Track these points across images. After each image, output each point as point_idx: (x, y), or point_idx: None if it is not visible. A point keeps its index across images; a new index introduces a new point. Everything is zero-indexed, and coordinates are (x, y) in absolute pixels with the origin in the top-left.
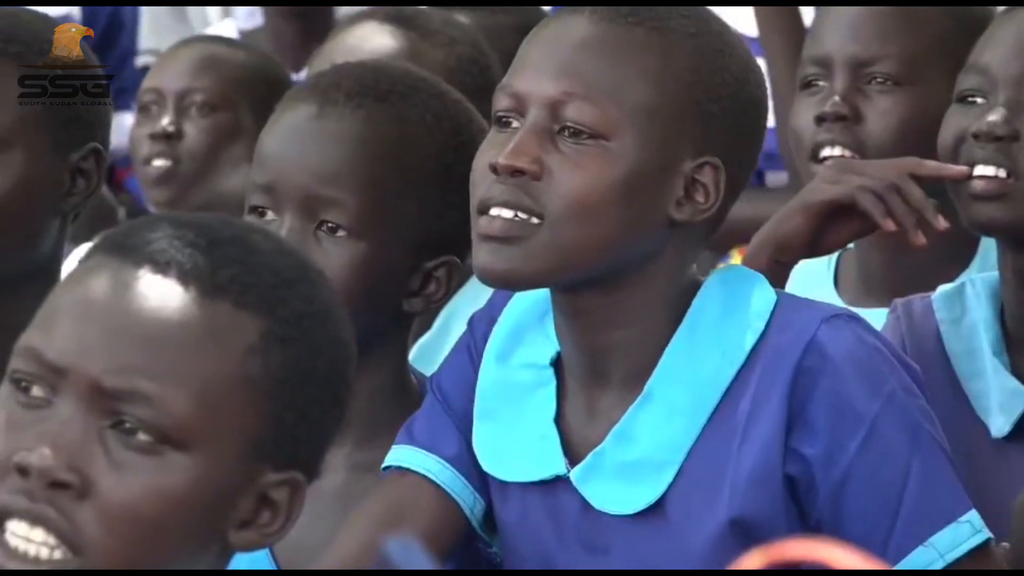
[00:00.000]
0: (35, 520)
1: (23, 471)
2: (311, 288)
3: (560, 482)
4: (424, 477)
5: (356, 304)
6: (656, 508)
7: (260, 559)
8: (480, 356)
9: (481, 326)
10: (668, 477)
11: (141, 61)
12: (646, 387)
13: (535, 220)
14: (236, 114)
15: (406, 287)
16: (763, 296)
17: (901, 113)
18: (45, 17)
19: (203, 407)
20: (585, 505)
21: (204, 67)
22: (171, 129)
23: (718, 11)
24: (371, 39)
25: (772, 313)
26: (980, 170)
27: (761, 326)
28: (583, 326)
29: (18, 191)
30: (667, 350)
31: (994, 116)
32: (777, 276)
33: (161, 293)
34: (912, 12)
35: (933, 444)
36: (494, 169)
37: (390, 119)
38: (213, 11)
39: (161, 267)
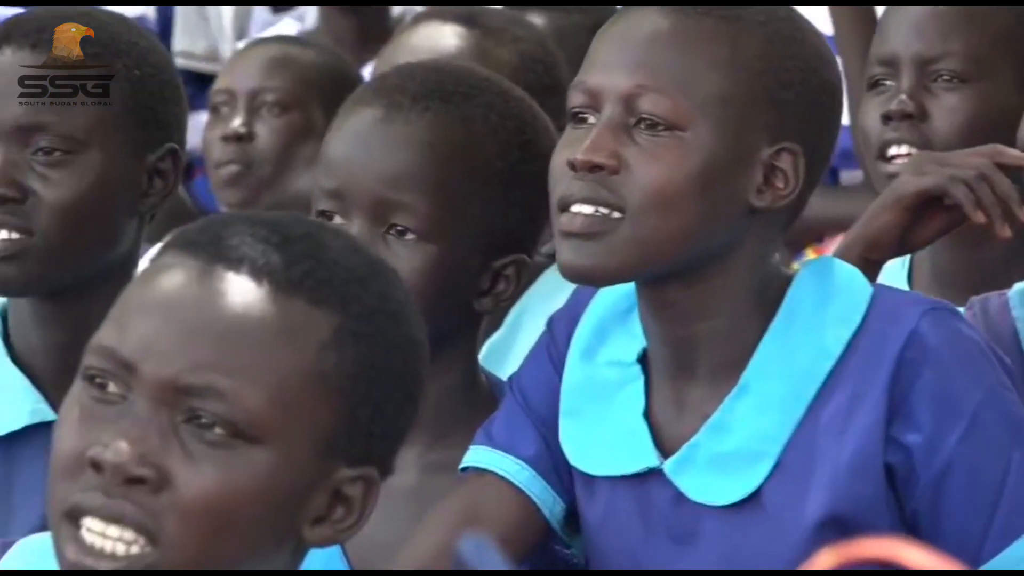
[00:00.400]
0: (111, 517)
1: (98, 467)
2: (384, 285)
3: (651, 475)
4: (502, 478)
5: (427, 305)
6: (752, 499)
7: (332, 558)
8: (561, 356)
9: (561, 326)
10: (765, 469)
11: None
12: (741, 379)
13: (616, 214)
14: (308, 113)
15: (475, 287)
16: (859, 288)
17: (967, 110)
18: (121, 17)
19: (277, 403)
20: (677, 497)
21: (275, 66)
22: (243, 131)
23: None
24: (435, 38)
25: (869, 305)
26: None
27: (858, 319)
28: (668, 319)
29: (96, 192)
30: (762, 342)
31: None
32: (867, 275)
33: (235, 289)
34: (975, 10)
35: None
36: (572, 166)
37: (456, 121)
38: (227, 12)
39: (234, 264)
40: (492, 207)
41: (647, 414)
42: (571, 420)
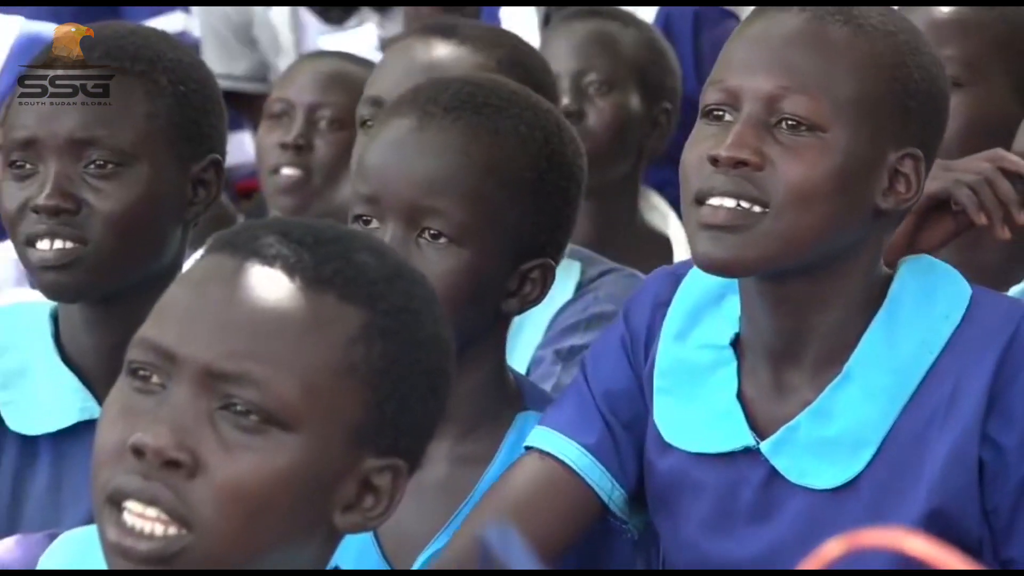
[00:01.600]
0: (149, 499)
1: (138, 452)
2: (410, 286)
3: (743, 455)
4: (563, 463)
5: (457, 307)
6: (850, 486)
7: (366, 547)
8: (637, 344)
9: (637, 317)
10: (867, 456)
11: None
12: (845, 368)
13: (757, 208)
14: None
15: (503, 289)
16: (958, 287)
17: (964, 112)
18: (165, 35)
19: (308, 391)
20: (769, 477)
21: (333, 83)
22: (301, 142)
23: None
24: (414, 53)
25: (969, 304)
26: None
27: (958, 317)
28: (784, 311)
29: (145, 202)
30: (866, 334)
31: None
32: None
33: (268, 284)
34: (969, 18)
35: None
36: (714, 160)
37: (486, 130)
38: (286, 35)
39: (268, 260)
40: (520, 213)
41: (740, 396)
42: (665, 398)
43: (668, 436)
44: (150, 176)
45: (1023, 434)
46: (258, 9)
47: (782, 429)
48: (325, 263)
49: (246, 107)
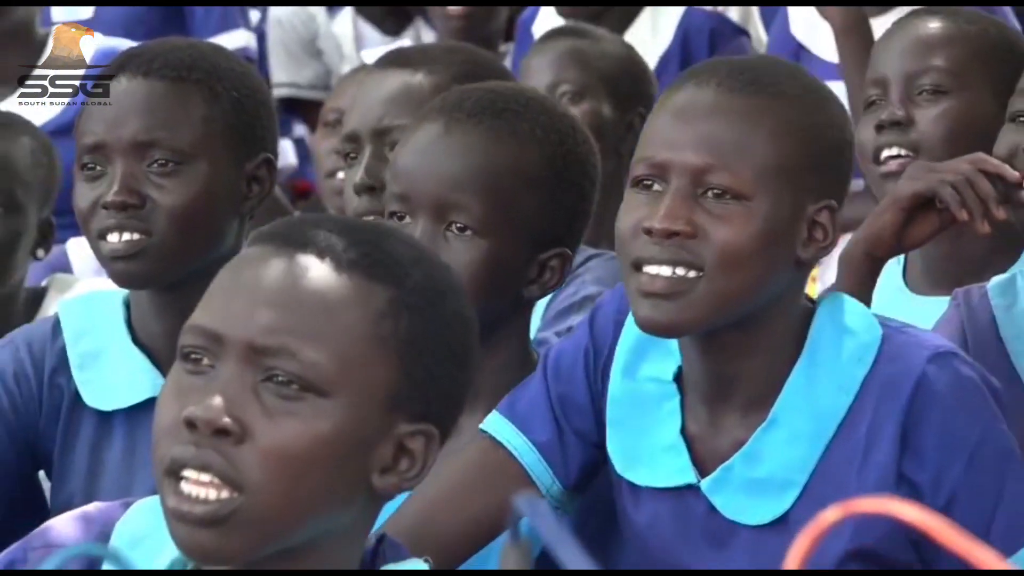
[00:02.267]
0: (202, 466)
1: (190, 424)
2: (432, 268)
3: (689, 489)
4: (511, 454)
5: (483, 292)
6: (780, 522)
7: None
8: (598, 359)
9: (601, 332)
10: (792, 496)
11: (280, 92)
12: (771, 413)
13: (692, 273)
14: None
15: (524, 276)
16: (870, 330)
17: (948, 117)
18: (220, 48)
19: (341, 361)
20: (711, 510)
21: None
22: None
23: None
24: (376, 85)
25: (880, 345)
26: None
27: (871, 359)
28: (716, 357)
29: (203, 197)
30: (789, 381)
31: None
32: (872, 271)
33: (302, 266)
34: (953, 31)
35: (1021, 467)
36: (648, 231)
37: (506, 133)
38: (348, 45)
39: (301, 246)
40: (538, 207)
41: (684, 430)
42: (617, 431)
43: (620, 469)
44: (208, 173)
45: (935, 472)
46: (322, 22)
47: (719, 469)
48: (353, 247)
49: (312, 112)
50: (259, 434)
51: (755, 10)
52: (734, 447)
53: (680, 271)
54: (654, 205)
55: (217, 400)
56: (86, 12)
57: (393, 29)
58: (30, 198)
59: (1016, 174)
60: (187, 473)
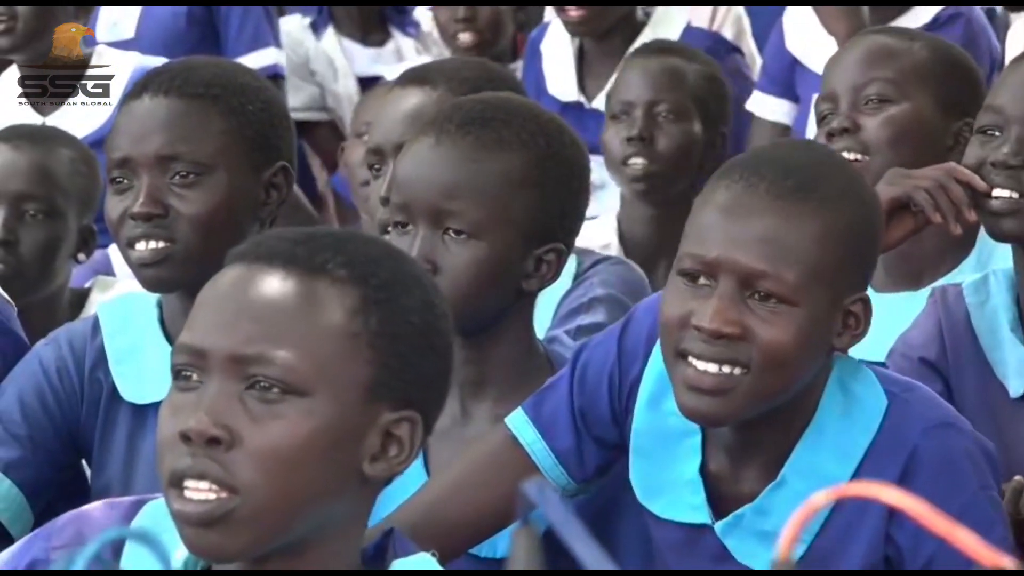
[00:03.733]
0: (199, 474)
1: (185, 437)
2: (396, 263)
3: (704, 527)
4: (528, 455)
5: (484, 289)
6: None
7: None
8: (624, 377)
9: (630, 351)
10: (799, 551)
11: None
12: (780, 475)
13: (738, 371)
14: None
15: (522, 271)
16: (876, 399)
17: (894, 123)
18: (238, 65)
19: (317, 361)
20: (722, 553)
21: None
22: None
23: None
24: (396, 101)
25: (884, 415)
26: (997, 192)
27: (874, 429)
28: (742, 431)
29: (224, 205)
30: (797, 447)
31: (1007, 148)
32: None
33: (271, 277)
34: (894, 46)
35: (1004, 541)
36: (699, 329)
37: (493, 141)
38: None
39: (268, 259)
40: (528, 207)
41: (703, 468)
42: (640, 460)
43: (641, 497)
44: (227, 183)
45: (914, 537)
46: (311, 44)
47: (731, 516)
48: (317, 254)
49: (306, 134)
50: (248, 438)
51: (748, 29)
52: (750, 496)
53: (726, 369)
54: (701, 300)
55: (206, 412)
56: (128, 32)
57: (376, 41)
58: (69, 205)
59: (984, 184)
60: (187, 483)
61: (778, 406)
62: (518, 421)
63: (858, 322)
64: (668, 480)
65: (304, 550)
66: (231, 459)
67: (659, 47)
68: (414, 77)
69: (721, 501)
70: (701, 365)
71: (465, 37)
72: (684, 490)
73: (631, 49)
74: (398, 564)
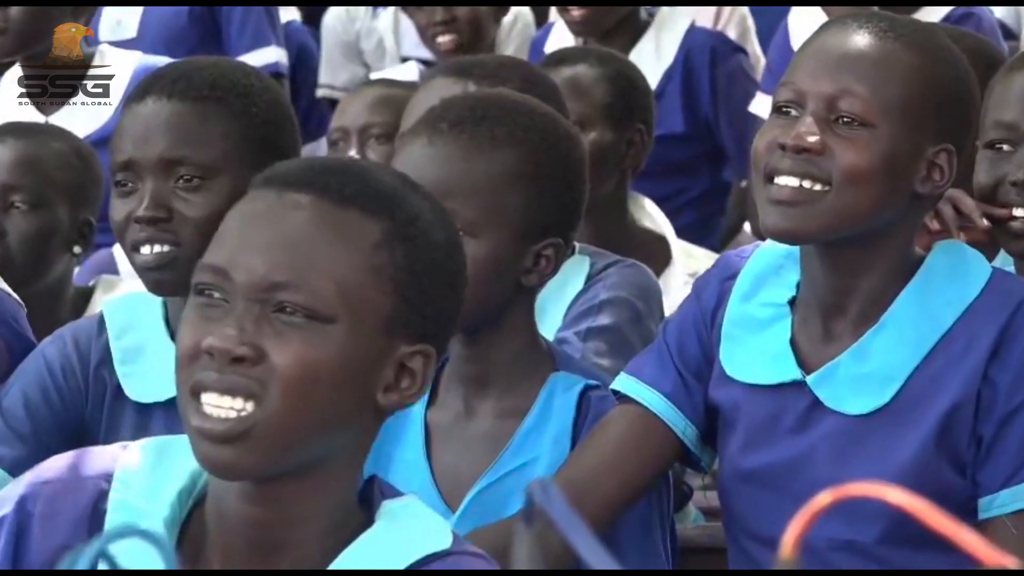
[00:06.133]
0: (225, 389)
1: (211, 353)
2: (421, 199)
3: (791, 387)
4: (646, 408)
5: (484, 286)
6: (877, 413)
7: (425, 488)
8: (705, 314)
9: (707, 292)
10: (893, 390)
11: (319, 93)
12: (881, 319)
13: (818, 187)
14: None
15: (521, 267)
16: (982, 266)
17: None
18: (242, 65)
19: (342, 290)
20: (812, 405)
21: (380, 104)
22: (358, 157)
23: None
24: (439, 92)
25: (988, 280)
26: (1018, 211)
27: (980, 286)
28: (838, 272)
29: (227, 207)
30: (902, 294)
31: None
32: None
33: (300, 206)
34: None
35: None
36: (782, 147)
37: (485, 139)
38: (390, 49)
39: (299, 187)
40: (524, 204)
41: (793, 342)
42: (730, 343)
43: (730, 371)
44: (232, 186)
45: (1015, 374)
46: (363, 23)
47: (826, 365)
48: (347, 186)
49: None
50: (273, 357)
51: (752, 29)
52: (842, 352)
53: (807, 183)
54: (789, 127)
55: (233, 331)
56: (131, 31)
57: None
58: (58, 196)
59: (1004, 211)
60: (207, 397)
61: (870, 247)
62: (628, 384)
63: (942, 174)
64: (758, 354)
65: (310, 474)
66: (255, 376)
67: (559, 58)
68: (455, 69)
69: (810, 366)
70: (783, 180)
71: (444, 40)
72: (774, 359)
73: None
74: (387, 504)
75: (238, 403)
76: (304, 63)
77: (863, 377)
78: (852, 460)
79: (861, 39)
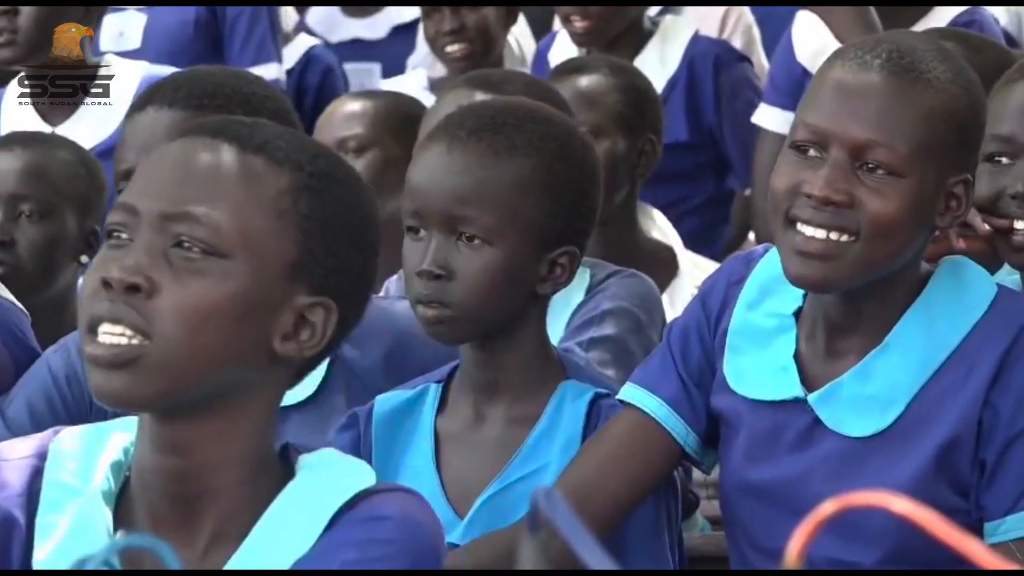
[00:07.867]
0: (115, 318)
1: (106, 284)
2: (332, 161)
3: (793, 404)
4: (646, 413)
5: (498, 293)
6: (878, 436)
7: (434, 495)
8: (710, 320)
9: (713, 296)
10: (895, 413)
11: None
12: (886, 340)
13: (846, 238)
14: (384, 149)
15: (536, 275)
16: (986, 285)
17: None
18: (243, 74)
19: (242, 227)
20: (812, 424)
21: (351, 118)
22: None
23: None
24: (461, 102)
25: (993, 300)
26: (1020, 224)
27: (985, 307)
28: (848, 298)
29: None
30: (907, 314)
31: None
32: None
33: (210, 147)
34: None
35: None
36: (808, 196)
37: (503, 147)
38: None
39: (211, 132)
40: (540, 211)
41: (796, 357)
42: (734, 355)
43: (733, 384)
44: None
45: (1016, 400)
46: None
47: (829, 384)
48: (258, 134)
49: None
50: (167, 290)
51: (758, 39)
52: (846, 371)
53: (834, 235)
54: (812, 170)
55: (129, 261)
56: (135, 42)
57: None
58: (66, 205)
59: (1005, 222)
60: (103, 327)
61: (883, 277)
62: (630, 392)
63: (959, 204)
64: (761, 367)
65: (212, 417)
66: (148, 306)
67: (572, 67)
68: (485, 81)
69: (813, 383)
70: (810, 231)
71: (454, 49)
72: (777, 374)
73: None
74: (304, 458)
75: (128, 331)
76: (330, 85)
77: (865, 399)
78: (851, 481)
79: (886, 82)
